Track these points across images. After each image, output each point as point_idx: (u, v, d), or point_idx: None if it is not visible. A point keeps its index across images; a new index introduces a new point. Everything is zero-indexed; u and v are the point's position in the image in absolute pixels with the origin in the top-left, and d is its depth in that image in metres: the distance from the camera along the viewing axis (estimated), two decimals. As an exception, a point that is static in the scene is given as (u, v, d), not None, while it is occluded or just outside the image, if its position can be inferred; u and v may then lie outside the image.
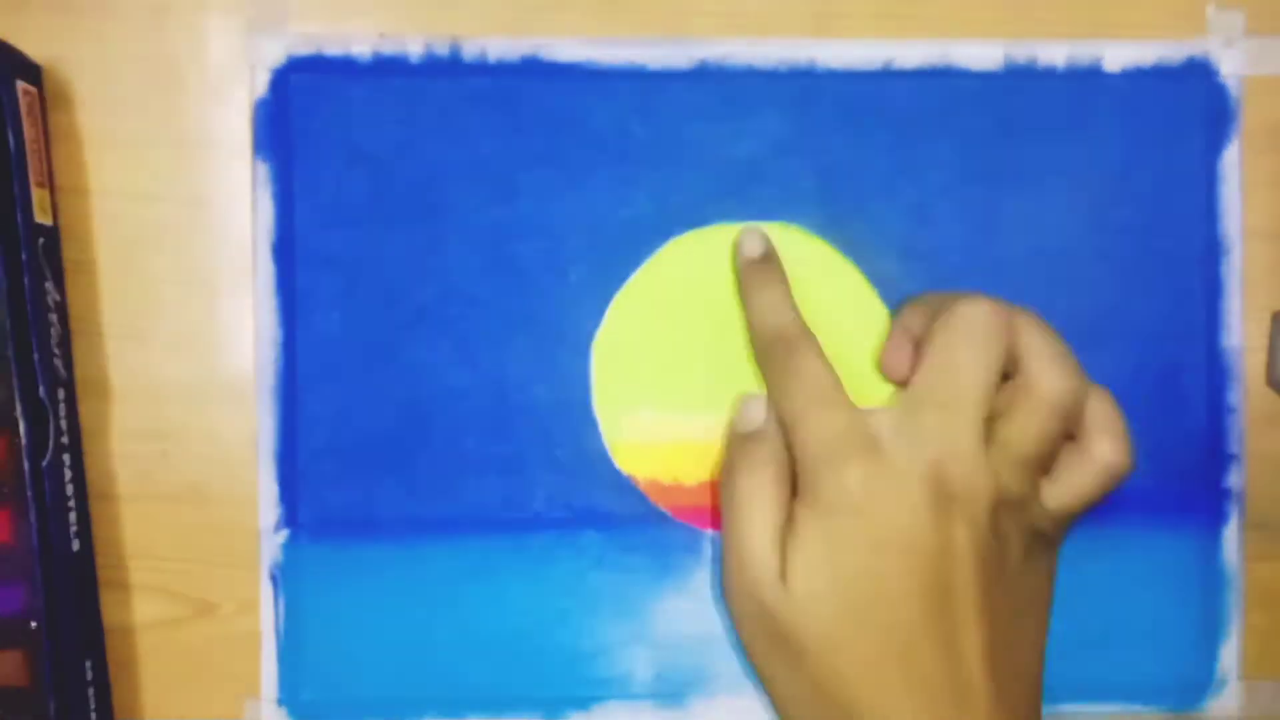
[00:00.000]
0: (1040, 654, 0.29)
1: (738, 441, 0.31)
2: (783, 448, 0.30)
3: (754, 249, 0.32)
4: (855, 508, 0.28)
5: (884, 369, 0.31)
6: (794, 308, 0.31)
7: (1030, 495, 0.29)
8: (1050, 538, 0.30)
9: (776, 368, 0.30)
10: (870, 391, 0.33)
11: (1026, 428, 0.28)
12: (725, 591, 0.30)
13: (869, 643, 0.27)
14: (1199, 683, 0.34)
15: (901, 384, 0.30)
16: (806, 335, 0.30)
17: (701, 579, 0.34)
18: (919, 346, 0.30)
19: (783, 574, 0.28)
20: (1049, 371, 0.28)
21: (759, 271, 0.32)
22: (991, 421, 0.28)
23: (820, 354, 0.30)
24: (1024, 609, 0.29)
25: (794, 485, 0.29)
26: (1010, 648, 0.28)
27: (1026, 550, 0.29)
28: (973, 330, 0.28)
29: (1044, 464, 0.29)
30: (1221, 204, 0.34)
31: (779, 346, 0.30)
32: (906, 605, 0.27)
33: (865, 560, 0.27)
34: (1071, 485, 0.29)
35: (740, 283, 0.33)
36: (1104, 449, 0.29)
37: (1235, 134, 0.34)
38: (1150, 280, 0.34)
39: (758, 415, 0.31)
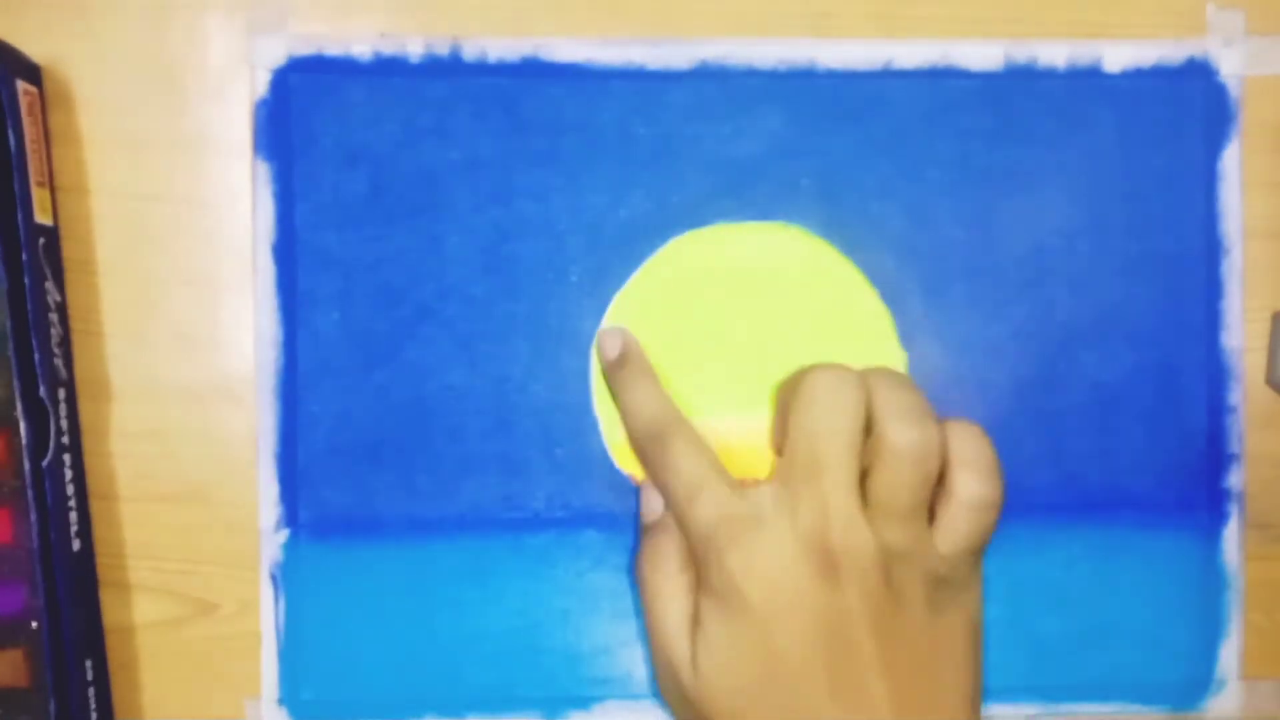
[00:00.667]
0: (966, 697, 0.29)
1: (644, 533, 0.32)
2: (681, 536, 0.30)
3: (612, 350, 0.33)
4: (741, 589, 0.28)
5: (773, 446, 0.32)
6: (662, 399, 0.32)
7: (917, 545, 0.29)
8: (956, 581, 0.29)
9: (653, 465, 0.31)
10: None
11: (890, 482, 0.28)
12: (656, 678, 0.31)
13: (772, 714, 0.28)
14: (1199, 683, 0.34)
15: None
16: (676, 425, 0.31)
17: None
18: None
19: (693, 660, 0.29)
20: (896, 425, 0.28)
21: (622, 371, 0.32)
22: (863, 479, 0.29)
23: (692, 440, 0.30)
24: (936, 655, 0.29)
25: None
26: (925, 696, 0.28)
27: (929, 598, 0.29)
28: (822, 397, 0.29)
29: (919, 513, 0.29)
30: (1221, 204, 0.34)
31: (652, 443, 0.31)
32: (805, 672, 0.28)
33: (759, 636, 0.28)
34: (949, 527, 0.29)
35: (608, 384, 0.33)
36: (966, 484, 0.29)
37: (1235, 134, 0.34)
38: (1150, 280, 0.34)
39: (656, 506, 0.31)
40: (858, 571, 0.28)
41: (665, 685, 0.30)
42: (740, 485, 0.30)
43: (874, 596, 0.28)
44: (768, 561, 0.28)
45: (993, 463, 0.29)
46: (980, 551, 0.30)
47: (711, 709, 0.28)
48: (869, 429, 0.29)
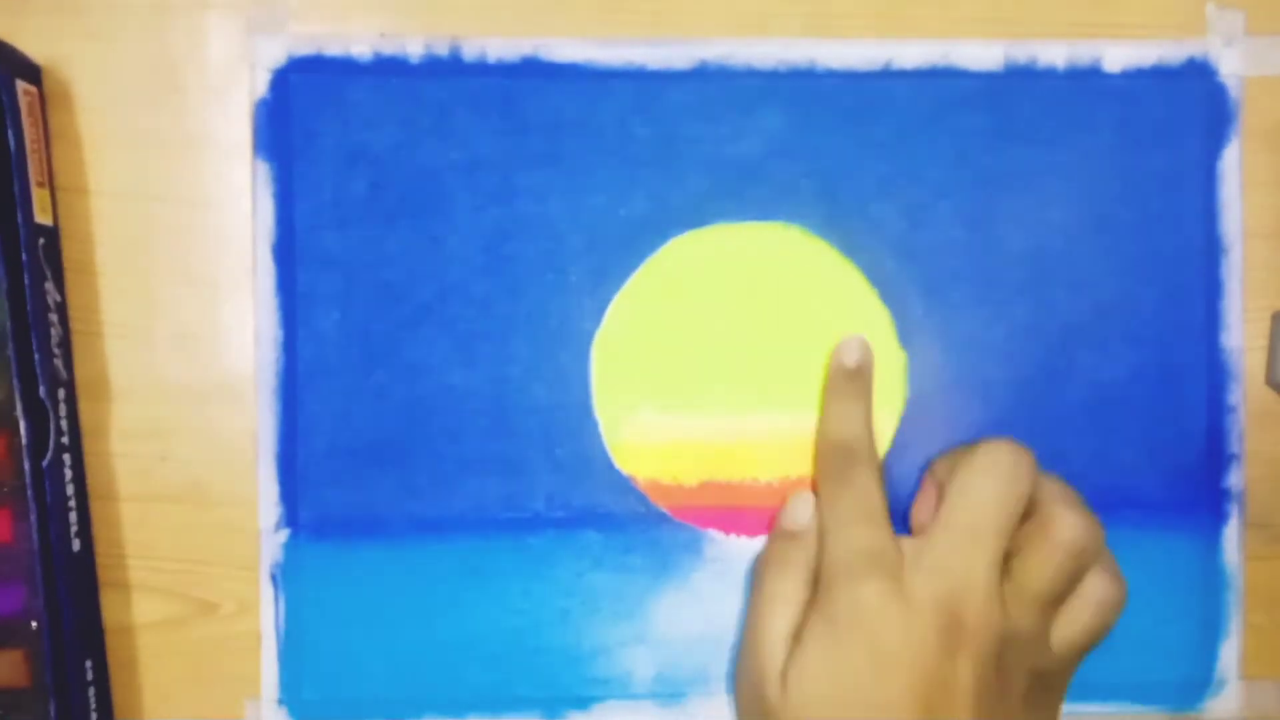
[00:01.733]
0: None
1: (779, 538, 0.31)
2: (815, 554, 0.30)
3: (850, 358, 0.32)
4: (864, 623, 0.28)
5: (913, 520, 0.32)
6: (867, 425, 0.32)
7: (1039, 635, 0.29)
8: (1053, 682, 0.30)
9: (832, 475, 0.31)
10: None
11: (1043, 567, 0.29)
12: (735, 675, 0.31)
13: None
14: (1199, 683, 0.34)
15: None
16: (871, 453, 0.31)
17: (701, 579, 0.34)
18: (943, 490, 0.30)
19: (783, 674, 0.29)
20: (1068, 514, 0.29)
21: (847, 382, 0.32)
22: (1008, 559, 0.29)
23: (877, 474, 0.31)
24: None
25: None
26: None
27: (1028, 691, 0.29)
28: (996, 467, 0.29)
29: (1055, 605, 0.29)
30: (1221, 204, 0.34)
31: (840, 456, 0.31)
32: None
33: (864, 676, 0.28)
34: (1071, 622, 0.29)
35: (826, 384, 0.33)
36: (1099, 584, 0.29)
37: (1235, 134, 0.34)
38: (1150, 280, 0.34)
39: (803, 517, 0.31)
40: (979, 647, 0.28)
41: (744, 689, 0.30)
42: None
43: (985, 675, 0.28)
44: (898, 609, 0.28)
45: (1120, 572, 0.30)
46: (1085, 654, 0.30)
47: None
48: (1026, 513, 0.29)
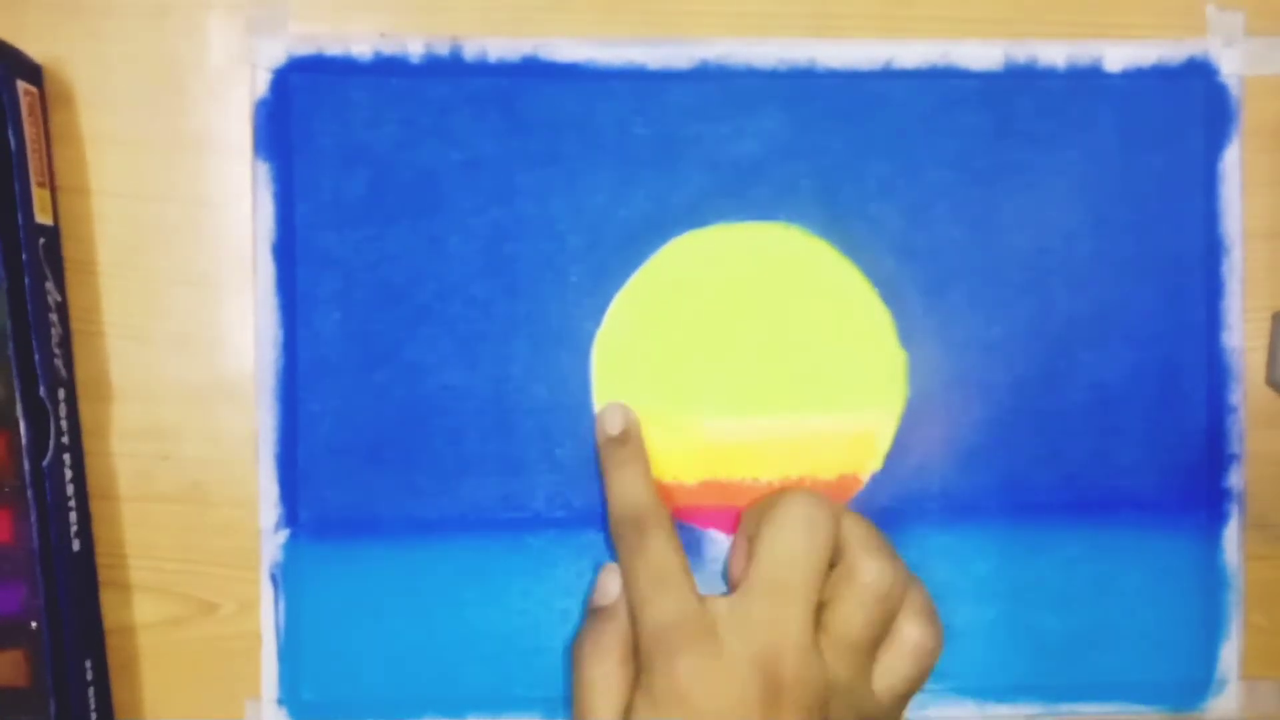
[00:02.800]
0: None
1: (592, 615, 0.31)
2: (629, 626, 0.30)
3: (614, 426, 0.33)
4: (684, 698, 0.28)
5: (729, 573, 0.32)
6: (650, 487, 0.32)
7: (859, 682, 0.29)
8: None
9: (625, 547, 0.31)
10: (864, 397, 0.33)
11: (852, 616, 0.29)
12: None
13: None
14: (1199, 683, 0.34)
15: None
16: (658, 516, 0.31)
17: (701, 578, 0.34)
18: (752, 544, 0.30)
19: None
20: (869, 560, 0.29)
21: (617, 450, 0.32)
22: (820, 609, 0.29)
23: (670, 536, 0.31)
24: None
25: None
26: None
27: None
28: (797, 521, 0.29)
29: (871, 650, 0.29)
30: (1221, 204, 0.34)
31: (630, 526, 0.31)
32: None
33: None
34: (890, 668, 0.30)
35: (600, 458, 0.33)
36: (912, 631, 0.30)
37: (1235, 134, 0.34)
38: (1150, 280, 0.34)
39: (612, 590, 0.31)
40: (802, 702, 0.28)
41: None
42: (702, 595, 0.30)
43: None
44: (715, 676, 0.28)
45: (937, 615, 0.30)
46: (909, 698, 0.30)
47: None
48: (833, 561, 0.30)
